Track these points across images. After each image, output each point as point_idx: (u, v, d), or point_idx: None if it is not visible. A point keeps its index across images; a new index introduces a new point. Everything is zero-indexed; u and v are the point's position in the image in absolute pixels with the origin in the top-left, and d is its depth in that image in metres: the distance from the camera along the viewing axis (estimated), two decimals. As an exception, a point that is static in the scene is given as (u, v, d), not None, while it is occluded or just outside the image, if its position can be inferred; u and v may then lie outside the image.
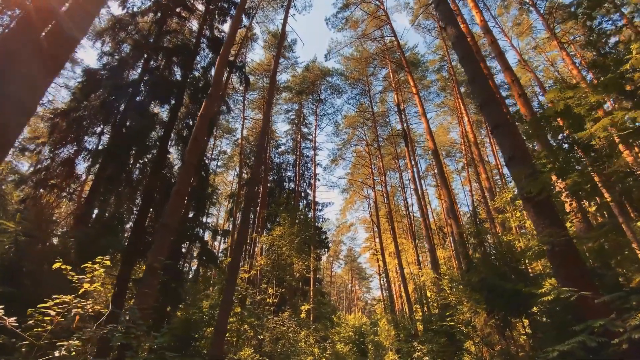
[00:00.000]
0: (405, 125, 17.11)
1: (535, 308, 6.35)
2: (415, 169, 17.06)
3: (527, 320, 7.16)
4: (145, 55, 11.86)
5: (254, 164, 7.85)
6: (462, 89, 24.27)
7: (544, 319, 5.31)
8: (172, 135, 10.75)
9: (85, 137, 10.57)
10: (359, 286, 57.14)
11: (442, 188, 10.62)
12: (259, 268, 14.69)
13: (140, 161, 9.95)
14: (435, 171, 25.66)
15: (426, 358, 9.30)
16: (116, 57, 11.00)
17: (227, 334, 9.66)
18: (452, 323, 9.15)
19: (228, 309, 6.47)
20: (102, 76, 10.60)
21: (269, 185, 24.71)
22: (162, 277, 8.43)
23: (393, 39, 15.78)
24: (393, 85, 17.94)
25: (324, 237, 24.19)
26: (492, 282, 5.43)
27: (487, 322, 6.49)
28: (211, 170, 31.40)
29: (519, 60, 25.40)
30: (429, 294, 15.35)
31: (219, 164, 31.06)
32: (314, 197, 23.81)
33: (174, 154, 13.85)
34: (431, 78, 27.17)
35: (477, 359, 6.22)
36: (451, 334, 9.44)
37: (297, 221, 16.69)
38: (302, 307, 10.85)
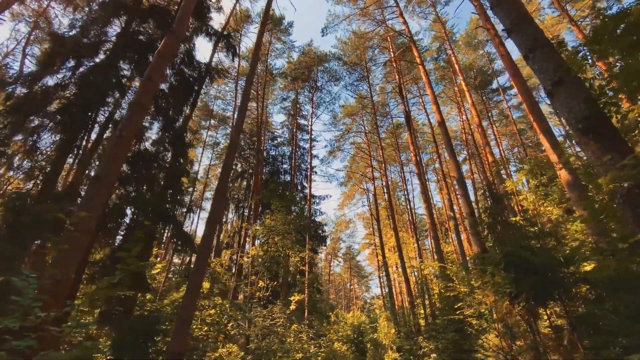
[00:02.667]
0: (406, 108, 15.98)
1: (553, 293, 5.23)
2: (417, 155, 15.92)
3: (557, 308, 6.03)
4: (124, 25, 10.79)
5: (236, 122, 6.74)
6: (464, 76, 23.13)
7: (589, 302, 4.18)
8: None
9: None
10: (357, 285, 56.00)
11: (450, 160, 9.52)
12: (249, 259, 13.54)
13: (109, 132, 8.83)
14: (442, 148, 24.54)
15: (434, 355, 8.15)
16: (86, 18, 9.90)
17: (208, 328, 8.53)
18: (462, 316, 8.04)
19: (195, 294, 5.33)
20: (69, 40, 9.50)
21: (263, 177, 23.61)
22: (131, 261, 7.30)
23: (395, 7, 14.59)
24: (394, 65, 16.82)
25: (320, 231, 23.03)
26: (522, 256, 4.29)
27: (510, 310, 5.36)
28: (204, 165, 30.23)
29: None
30: (432, 287, 14.22)
31: (213, 156, 29.88)
32: (310, 188, 22.66)
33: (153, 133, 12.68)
34: (429, 67, 26.14)
35: (504, 354, 5.09)
36: (461, 329, 8.32)
37: (292, 211, 15.55)
38: (292, 298, 9.66)
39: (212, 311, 8.08)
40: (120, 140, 3.80)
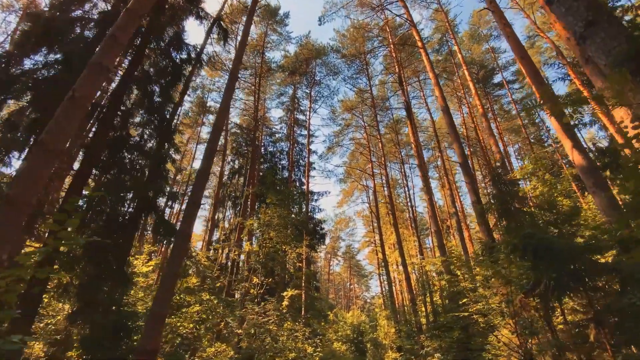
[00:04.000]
0: (407, 98, 15.38)
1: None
2: (418, 146, 15.32)
3: (571, 303, 5.44)
4: (111, 7, 10.24)
5: (222, 103, 6.17)
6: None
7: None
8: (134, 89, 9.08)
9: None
10: (357, 284, 55.38)
11: (454, 144, 8.96)
12: (244, 255, 12.96)
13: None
14: (444, 144, 23.96)
15: (437, 355, 7.55)
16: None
17: (195, 326, 7.94)
18: (467, 313, 7.46)
19: (171, 285, 4.75)
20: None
21: (261, 173, 23.06)
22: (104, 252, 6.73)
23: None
24: (394, 55, 16.23)
25: (319, 228, 22.44)
26: (543, 239, 3.71)
27: (525, 304, 4.77)
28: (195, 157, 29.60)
29: (528, 37, 23.82)
30: (434, 283, 13.62)
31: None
32: (308, 184, 22.05)
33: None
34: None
35: (522, 353, 4.49)
36: (466, 326, 7.73)
37: (288, 205, 14.97)
38: (285, 294, 9.02)
39: (197, 307, 7.48)
40: (72, 102, 3.22)
